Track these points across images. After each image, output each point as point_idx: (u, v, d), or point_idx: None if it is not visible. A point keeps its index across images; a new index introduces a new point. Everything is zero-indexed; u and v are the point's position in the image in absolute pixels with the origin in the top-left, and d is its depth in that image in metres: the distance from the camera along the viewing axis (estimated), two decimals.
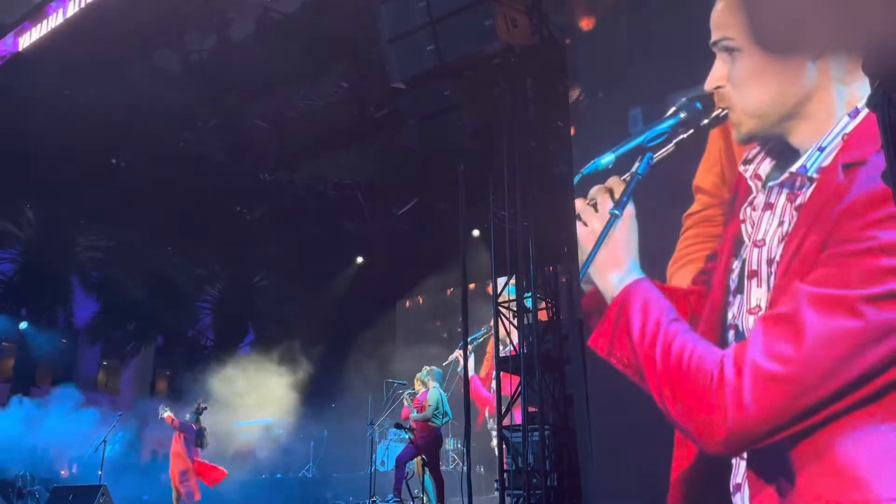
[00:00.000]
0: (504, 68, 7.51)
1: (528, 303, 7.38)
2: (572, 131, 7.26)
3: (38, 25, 10.98)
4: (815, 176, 5.42)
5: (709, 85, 6.14)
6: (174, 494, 9.79)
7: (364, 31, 9.09)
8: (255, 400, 14.30)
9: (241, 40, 11.03)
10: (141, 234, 14.82)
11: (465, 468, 7.64)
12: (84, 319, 16.40)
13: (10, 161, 12.38)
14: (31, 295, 15.57)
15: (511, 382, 7.44)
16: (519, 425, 7.16)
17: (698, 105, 6.26)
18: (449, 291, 14.09)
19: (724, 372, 5.50)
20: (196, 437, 9.90)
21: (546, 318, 7.47)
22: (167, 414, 10.04)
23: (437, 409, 8.16)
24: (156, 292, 15.42)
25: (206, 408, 10.28)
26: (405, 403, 8.68)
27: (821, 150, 5.41)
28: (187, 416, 10.07)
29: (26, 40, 11.14)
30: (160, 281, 15.44)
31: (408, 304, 15.31)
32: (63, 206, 14.41)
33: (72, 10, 10.55)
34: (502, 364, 7.49)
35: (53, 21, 10.79)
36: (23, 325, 15.77)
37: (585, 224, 6.75)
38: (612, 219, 6.55)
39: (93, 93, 11.47)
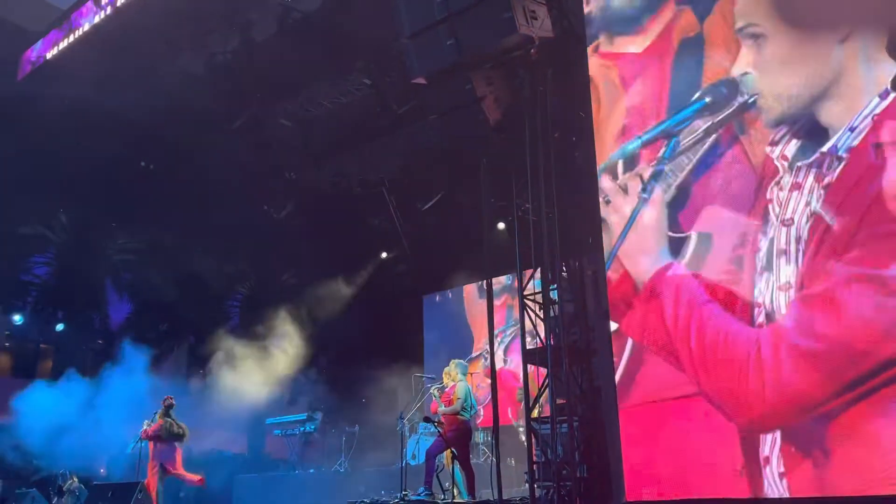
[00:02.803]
0: (524, 60, 7.48)
1: (554, 295, 7.36)
2: (595, 121, 7.20)
3: (66, 33, 11.21)
4: (844, 156, 5.40)
5: (735, 72, 6.12)
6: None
7: (384, 28, 9.13)
8: (286, 397, 14.48)
9: (263, 41, 11.17)
10: (171, 236, 15.04)
11: (494, 460, 7.64)
12: (118, 321, 16.69)
13: (43, 167, 12.65)
14: (67, 298, 15.90)
15: (538, 375, 7.44)
16: (547, 417, 7.16)
17: (724, 90, 6.21)
18: (476, 285, 14.08)
19: (761, 351, 5.55)
20: (165, 435, 9.38)
21: (572, 310, 7.44)
22: (144, 428, 9.50)
23: (465, 402, 8.18)
24: (187, 292, 15.63)
25: (172, 404, 9.76)
26: (434, 397, 8.71)
27: (851, 130, 5.39)
28: (155, 414, 9.61)
29: (55, 49, 11.38)
30: (191, 281, 15.66)
31: (437, 298, 15.35)
32: (95, 210, 14.69)
33: (98, 17, 10.76)
34: (530, 356, 7.49)
35: (80, 29, 11.01)
36: (59, 327, 16.15)
37: (613, 206, 6.75)
38: (641, 202, 6.55)
39: (120, 98, 11.67)
